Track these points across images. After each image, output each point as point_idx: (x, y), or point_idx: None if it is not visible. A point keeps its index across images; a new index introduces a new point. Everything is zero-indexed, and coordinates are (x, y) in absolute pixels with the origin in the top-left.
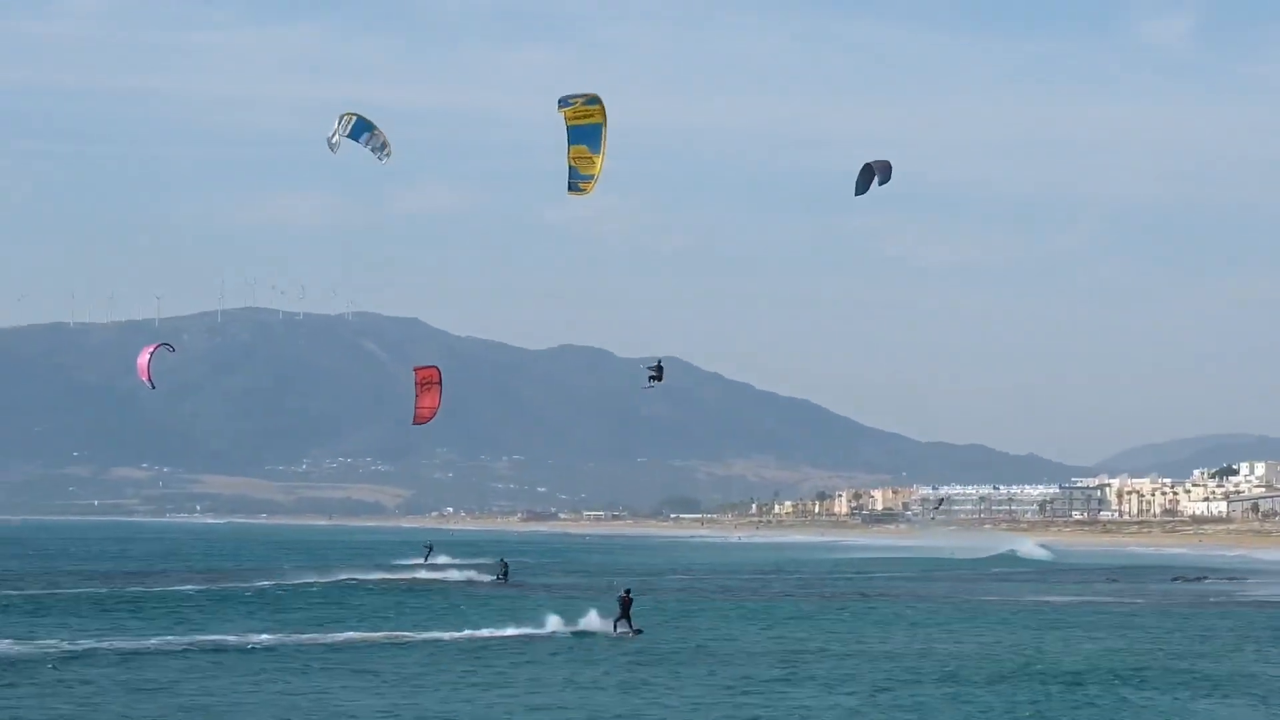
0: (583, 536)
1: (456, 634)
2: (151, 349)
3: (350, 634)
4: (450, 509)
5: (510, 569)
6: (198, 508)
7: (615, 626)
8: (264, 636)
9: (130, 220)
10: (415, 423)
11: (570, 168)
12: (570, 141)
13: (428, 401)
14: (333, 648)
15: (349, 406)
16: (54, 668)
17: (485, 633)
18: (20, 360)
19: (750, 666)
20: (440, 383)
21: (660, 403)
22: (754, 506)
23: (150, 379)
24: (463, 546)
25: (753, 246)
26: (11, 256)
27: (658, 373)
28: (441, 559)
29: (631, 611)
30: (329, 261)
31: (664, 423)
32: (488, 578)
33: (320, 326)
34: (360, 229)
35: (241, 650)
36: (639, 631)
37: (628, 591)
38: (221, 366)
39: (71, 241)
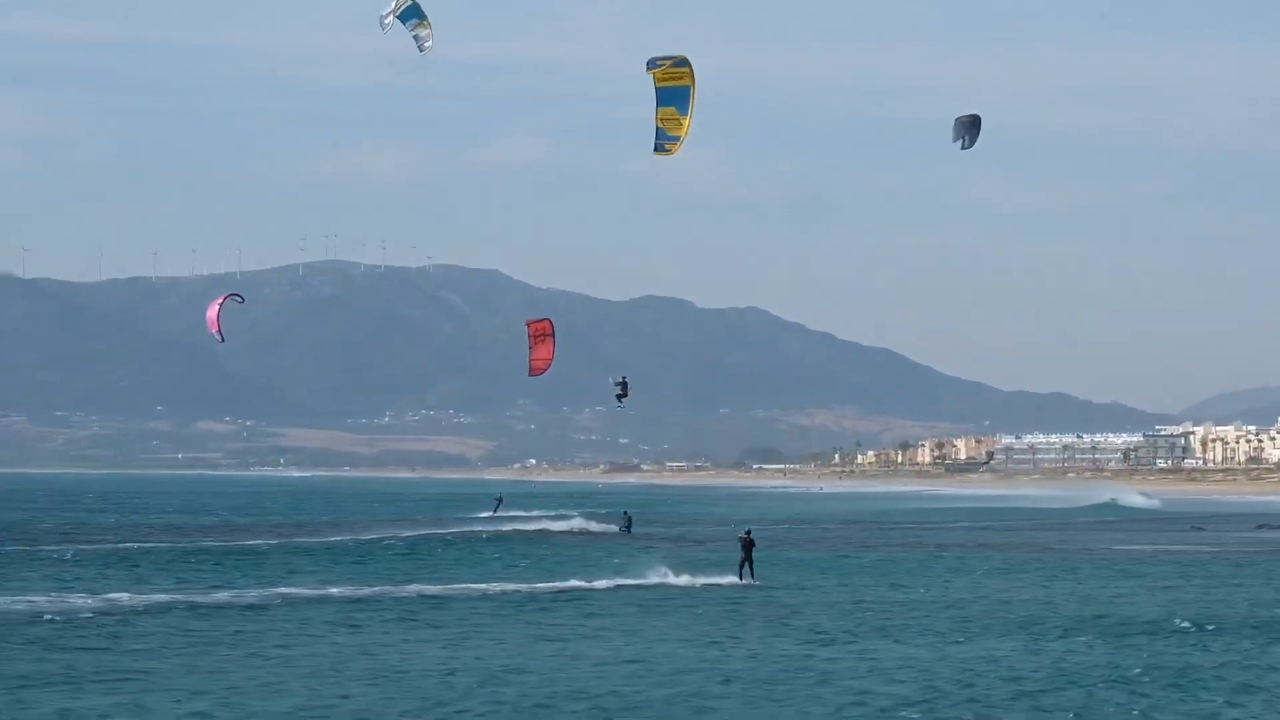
0: (666, 488)
1: (560, 584)
2: (220, 301)
3: (463, 585)
4: (533, 461)
5: (633, 520)
6: (281, 461)
7: (740, 572)
8: (340, 590)
9: (213, 174)
10: (530, 374)
11: (658, 129)
12: (658, 103)
13: (542, 353)
14: (423, 600)
15: (431, 359)
16: (123, 621)
17: (602, 583)
18: (103, 315)
19: (852, 617)
20: (553, 335)
21: (742, 353)
22: (836, 457)
23: (219, 331)
24: (561, 498)
25: (834, 196)
26: (94, 211)
27: (623, 390)
28: (575, 517)
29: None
30: (411, 214)
31: (746, 373)
32: (610, 528)
33: (402, 279)
34: (442, 181)
35: (316, 602)
36: (755, 583)
37: (748, 532)
38: (303, 320)
39: (154, 196)
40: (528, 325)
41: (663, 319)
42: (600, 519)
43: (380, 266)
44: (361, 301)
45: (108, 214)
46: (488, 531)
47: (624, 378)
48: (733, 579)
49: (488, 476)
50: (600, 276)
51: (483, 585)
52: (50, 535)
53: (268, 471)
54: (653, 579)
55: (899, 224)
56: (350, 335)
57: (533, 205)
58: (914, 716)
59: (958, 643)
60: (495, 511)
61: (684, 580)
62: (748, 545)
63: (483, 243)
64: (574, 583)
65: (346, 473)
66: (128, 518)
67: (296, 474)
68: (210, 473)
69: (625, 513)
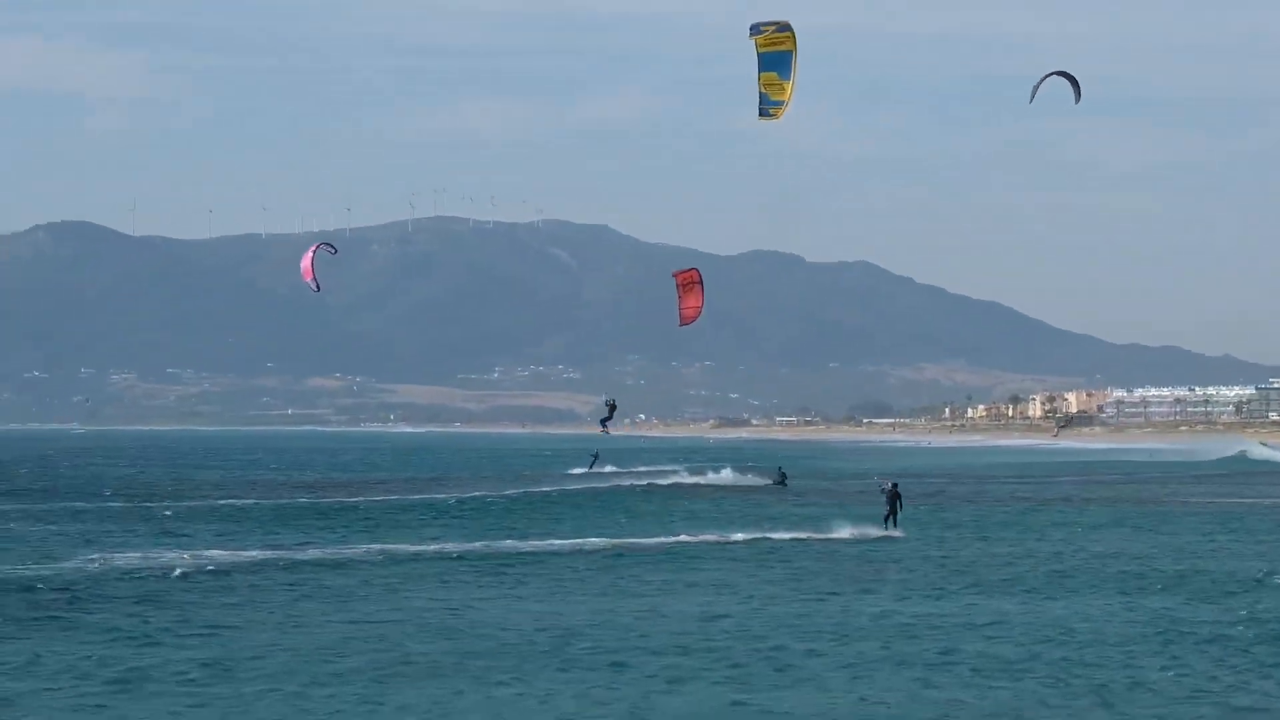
0: (778, 443)
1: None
2: (313, 250)
3: (594, 540)
4: (642, 416)
5: (788, 475)
6: (391, 417)
7: (886, 523)
8: (448, 544)
9: (322, 132)
10: (682, 324)
11: (761, 94)
12: (761, 68)
13: (692, 301)
14: (519, 556)
15: (539, 315)
16: (217, 575)
17: (740, 536)
18: (213, 272)
19: (950, 572)
20: (701, 282)
21: (851, 308)
22: (946, 411)
23: (315, 280)
24: (671, 454)
25: (943, 151)
26: (203, 169)
27: (610, 414)
28: (725, 471)
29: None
30: (519, 170)
31: (855, 328)
32: (763, 481)
33: (510, 235)
34: (550, 136)
35: (435, 558)
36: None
37: (894, 485)
38: (412, 276)
39: (262, 153)
40: (675, 276)
41: (771, 274)
42: (755, 472)
43: (489, 223)
44: (470, 258)
45: (216, 172)
46: (639, 485)
47: (613, 400)
48: (881, 530)
49: (599, 432)
50: (709, 231)
51: (612, 540)
52: (154, 492)
53: (378, 428)
54: (792, 533)
55: (1009, 178)
56: (459, 291)
57: (641, 160)
58: (1004, 674)
59: (1052, 599)
60: (591, 468)
61: (830, 534)
62: (893, 497)
63: (591, 198)
64: (713, 536)
65: (457, 428)
66: (232, 474)
67: (408, 429)
68: (320, 429)
69: (780, 468)
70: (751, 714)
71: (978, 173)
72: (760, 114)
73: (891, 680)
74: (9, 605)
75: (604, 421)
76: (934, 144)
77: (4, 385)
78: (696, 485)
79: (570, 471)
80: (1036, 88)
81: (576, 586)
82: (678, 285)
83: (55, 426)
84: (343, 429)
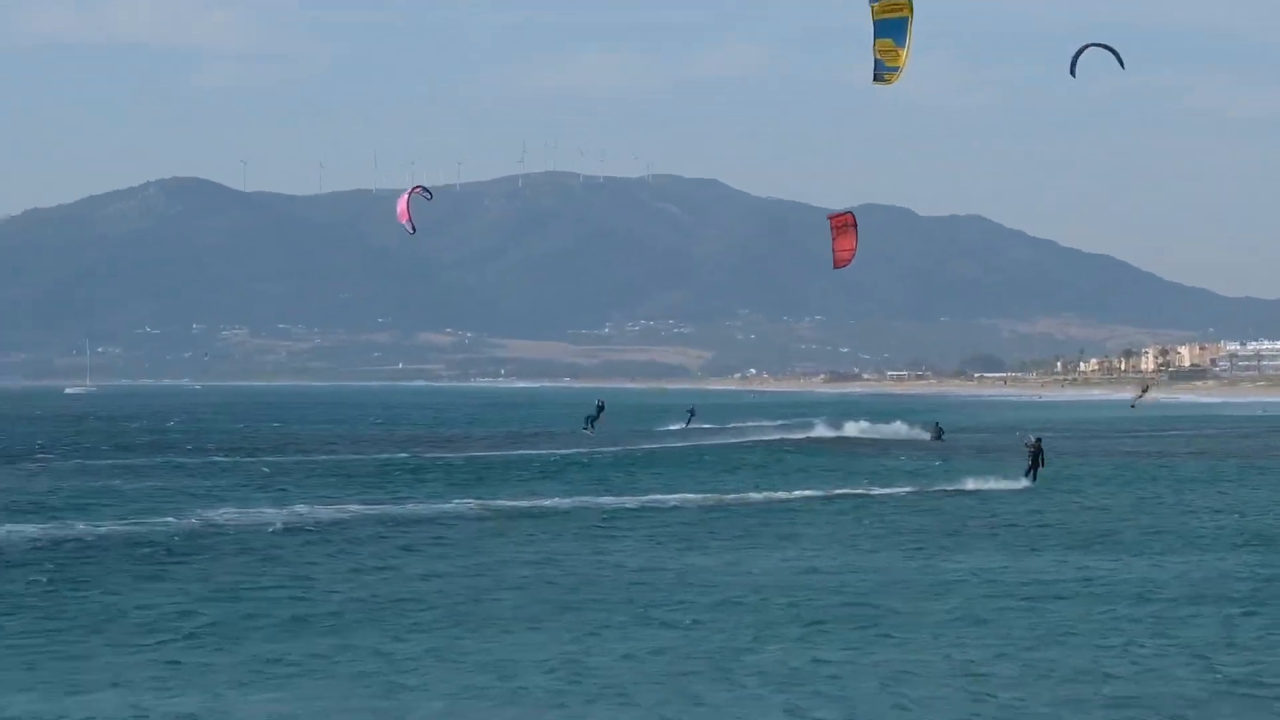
0: (887, 397)
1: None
2: (408, 193)
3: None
4: (753, 370)
5: (944, 430)
6: (502, 372)
7: (1029, 476)
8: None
9: (432, 86)
10: (836, 266)
11: (876, 60)
12: (876, 35)
13: (846, 244)
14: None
15: (650, 269)
16: (316, 529)
17: (879, 490)
18: (324, 227)
19: (1046, 528)
20: (855, 225)
21: (963, 261)
22: (1059, 364)
23: (410, 222)
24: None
25: (1055, 103)
26: (314, 125)
27: (598, 414)
28: (896, 424)
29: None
30: (629, 125)
31: (966, 281)
32: (923, 435)
33: (621, 190)
34: (661, 91)
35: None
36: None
37: (1038, 440)
38: (522, 231)
39: (373, 108)
40: (830, 219)
41: (883, 227)
42: (917, 427)
43: (599, 177)
44: (580, 212)
45: (327, 127)
46: (789, 441)
47: (603, 402)
48: (1015, 484)
49: (711, 386)
50: (820, 185)
51: (765, 493)
52: (258, 447)
53: (489, 383)
54: (928, 486)
55: (1123, 130)
56: (569, 246)
57: (752, 114)
58: (1092, 631)
59: (1147, 555)
60: (688, 424)
61: (965, 485)
62: (1035, 452)
63: (702, 152)
64: (861, 490)
65: (567, 383)
66: (338, 429)
67: (520, 384)
68: (430, 384)
69: (936, 423)
70: (835, 669)
71: (1091, 125)
72: (875, 79)
73: (980, 636)
74: (108, 559)
75: (590, 421)
76: (1046, 96)
77: (115, 341)
78: (840, 439)
79: (666, 428)
80: (1075, 60)
81: (668, 541)
82: (832, 228)
83: (169, 382)
84: (453, 384)
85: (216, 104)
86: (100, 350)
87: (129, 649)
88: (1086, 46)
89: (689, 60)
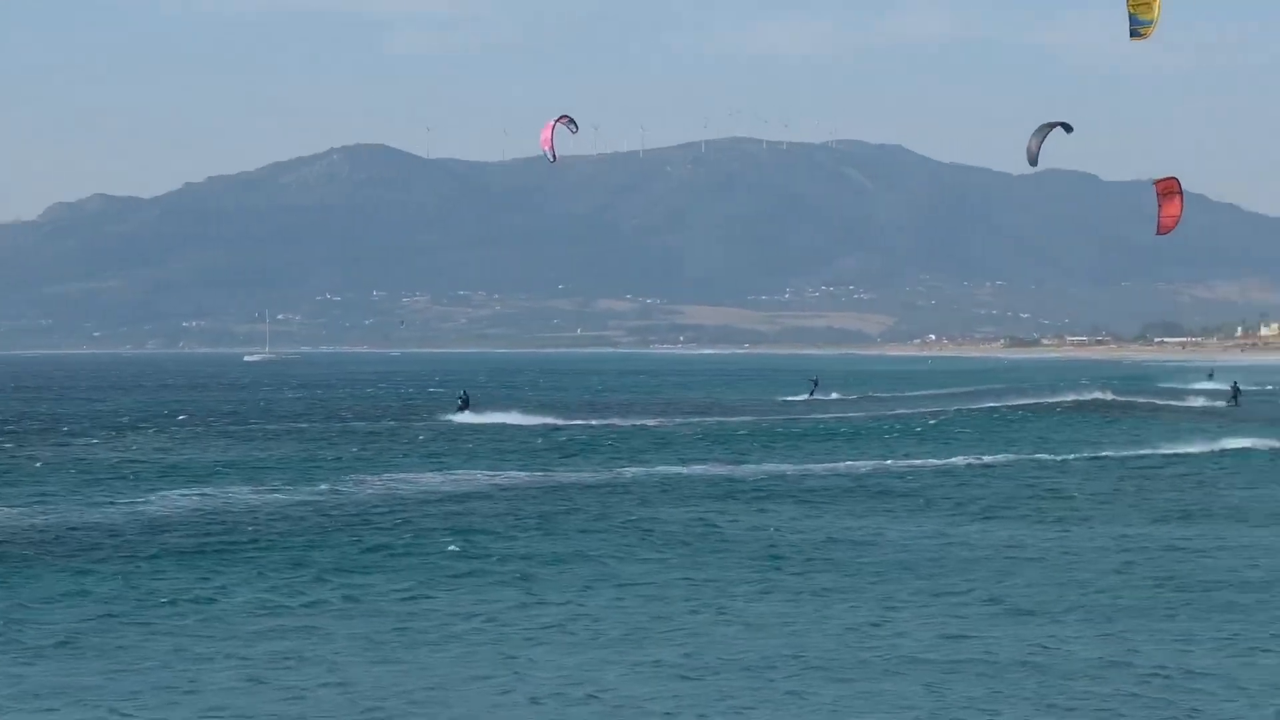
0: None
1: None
2: (553, 122)
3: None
4: (932, 336)
5: (1241, 392)
6: (681, 339)
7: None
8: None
9: (617, 52)
10: (1160, 232)
11: (1130, 15)
12: None
13: (1171, 210)
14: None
15: (832, 235)
16: (471, 497)
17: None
18: (505, 194)
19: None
20: (1180, 191)
21: (1145, 226)
22: (1239, 329)
23: (552, 150)
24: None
25: (1242, 66)
26: (497, 91)
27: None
28: (1208, 384)
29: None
30: (813, 90)
31: (1148, 246)
32: (1219, 403)
33: (804, 155)
34: (845, 57)
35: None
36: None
37: (1234, 383)
38: (704, 197)
39: (558, 74)
40: (1155, 184)
41: (1066, 193)
42: (1209, 395)
43: (783, 143)
44: (763, 178)
45: (511, 93)
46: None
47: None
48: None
49: (890, 353)
50: (1003, 151)
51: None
52: (423, 415)
53: (668, 349)
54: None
55: None
56: (751, 212)
57: (936, 80)
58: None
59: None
60: (811, 395)
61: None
62: (1235, 392)
63: (885, 118)
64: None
65: (747, 350)
66: (509, 394)
67: (707, 351)
68: (610, 350)
69: (1234, 383)
70: (967, 647)
71: (1275, 88)
72: (1131, 35)
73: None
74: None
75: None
76: (1234, 58)
77: (295, 308)
78: (1154, 405)
79: (787, 399)
80: (1035, 149)
81: (824, 508)
82: (1158, 194)
83: (365, 350)
84: (633, 350)
85: (403, 70)
86: (280, 317)
87: (247, 616)
88: (1047, 128)
89: (873, 26)
